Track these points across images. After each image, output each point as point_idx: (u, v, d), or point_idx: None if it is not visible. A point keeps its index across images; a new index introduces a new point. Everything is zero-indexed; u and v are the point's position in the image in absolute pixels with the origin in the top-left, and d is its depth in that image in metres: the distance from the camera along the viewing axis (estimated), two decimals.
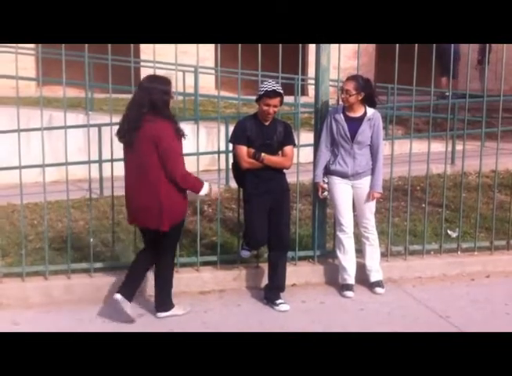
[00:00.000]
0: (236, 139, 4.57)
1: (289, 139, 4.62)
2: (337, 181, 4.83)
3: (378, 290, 4.87)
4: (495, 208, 5.61)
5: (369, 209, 4.85)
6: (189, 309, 4.43)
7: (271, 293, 4.62)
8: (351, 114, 4.75)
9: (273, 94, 4.40)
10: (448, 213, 6.23)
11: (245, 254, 4.73)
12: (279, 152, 4.61)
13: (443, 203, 5.53)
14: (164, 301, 4.35)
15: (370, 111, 4.76)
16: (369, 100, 4.75)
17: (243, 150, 4.52)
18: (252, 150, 4.50)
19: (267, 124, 4.55)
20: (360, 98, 4.68)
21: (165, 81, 4.16)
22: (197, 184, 4.20)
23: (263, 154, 4.49)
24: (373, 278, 4.92)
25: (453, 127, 8.67)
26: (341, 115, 4.75)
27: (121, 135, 4.14)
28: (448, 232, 5.88)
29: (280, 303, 4.55)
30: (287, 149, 4.60)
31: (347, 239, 4.85)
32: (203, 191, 4.20)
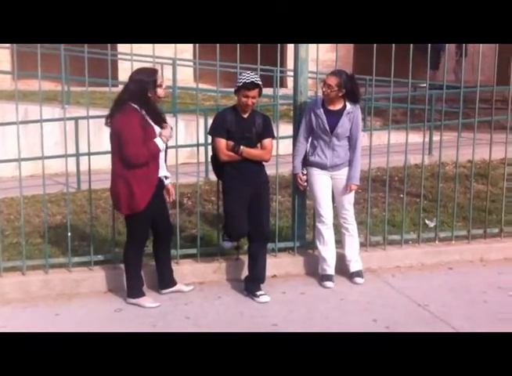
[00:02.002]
0: (215, 131, 4.55)
1: (268, 132, 4.61)
2: (315, 172, 4.84)
3: (358, 280, 4.90)
4: (472, 198, 5.68)
5: (348, 200, 4.87)
6: (158, 305, 4.43)
7: (251, 284, 4.63)
8: (331, 107, 4.75)
9: (251, 85, 4.39)
10: (425, 203, 6.29)
11: (227, 245, 4.72)
12: (258, 144, 4.60)
13: (421, 193, 5.58)
14: (128, 287, 4.49)
15: (349, 104, 4.76)
16: (352, 96, 4.72)
17: (222, 142, 4.50)
18: (231, 143, 4.49)
19: (246, 116, 4.53)
20: (340, 94, 4.68)
21: (148, 71, 4.29)
22: (149, 153, 4.21)
23: (242, 147, 4.48)
24: (353, 268, 4.95)
25: (430, 118, 8.75)
26: (321, 109, 4.74)
27: (106, 122, 4.32)
28: (426, 221, 5.94)
29: (261, 294, 4.56)
30: (266, 141, 4.59)
31: (326, 230, 4.87)
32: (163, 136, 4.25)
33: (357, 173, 4.81)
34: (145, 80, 4.20)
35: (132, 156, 4.14)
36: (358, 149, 4.79)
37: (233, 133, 4.48)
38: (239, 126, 4.49)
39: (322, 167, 4.81)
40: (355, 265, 4.95)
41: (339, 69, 4.80)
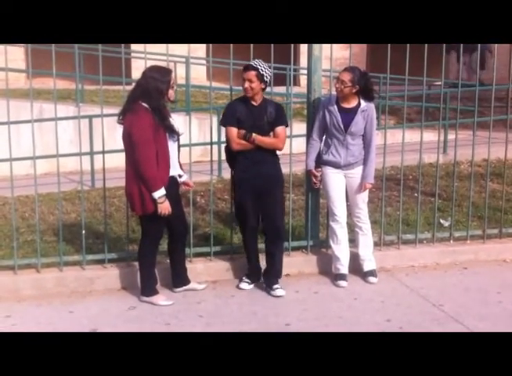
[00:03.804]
0: (226, 120, 4.52)
1: (280, 120, 4.54)
2: (329, 171, 4.81)
3: (371, 279, 4.88)
4: (487, 197, 5.63)
5: (362, 199, 4.85)
6: (172, 303, 4.43)
7: (268, 278, 4.66)
8: (345, 105, 4.72)
9: (247, 67, 4.39)
10: (440, 202, 6.25)
11: (244, 286, 4.72)
12: (271, 133, 4.55)
13: (435, 192, 5.54)
14: (141, 285, 4.49)
15: (364, 102, 4.73)
16: (366, 93, 4.69)
17: (234, 131, 4.46)
18: (242, 131, 4.45)
19: (256, 104, 4.50)
20: (354, 91, 4.65)
21: (163, 71, 4.24)
22: (155, 182, 4.13)
23: (254, 135, 4.43)
24: (367, 267, 4.92)
25: (445, 116, 8.69)
26: (335, 106, 4.72)
27: (118, 120, 4.32)
28: (441, 221, 5.90)
29: (277, 288, 4.59)
30: (279, 129, 4.53)
31: (340, 229, 4.85)
32: (156, 194, 4.15)
33: (371, 172, 4.78)
34: (159, 79, 4.16)
35: (142, 162, 4.10)
36: (372, 147, 4.76)
37: (244, 122, 4.44)
38: (249, 114, 4.45)
39: (336, 165, 4.78)
40: (368, 265, 4.93)
41: (352, 66, 4.78)
